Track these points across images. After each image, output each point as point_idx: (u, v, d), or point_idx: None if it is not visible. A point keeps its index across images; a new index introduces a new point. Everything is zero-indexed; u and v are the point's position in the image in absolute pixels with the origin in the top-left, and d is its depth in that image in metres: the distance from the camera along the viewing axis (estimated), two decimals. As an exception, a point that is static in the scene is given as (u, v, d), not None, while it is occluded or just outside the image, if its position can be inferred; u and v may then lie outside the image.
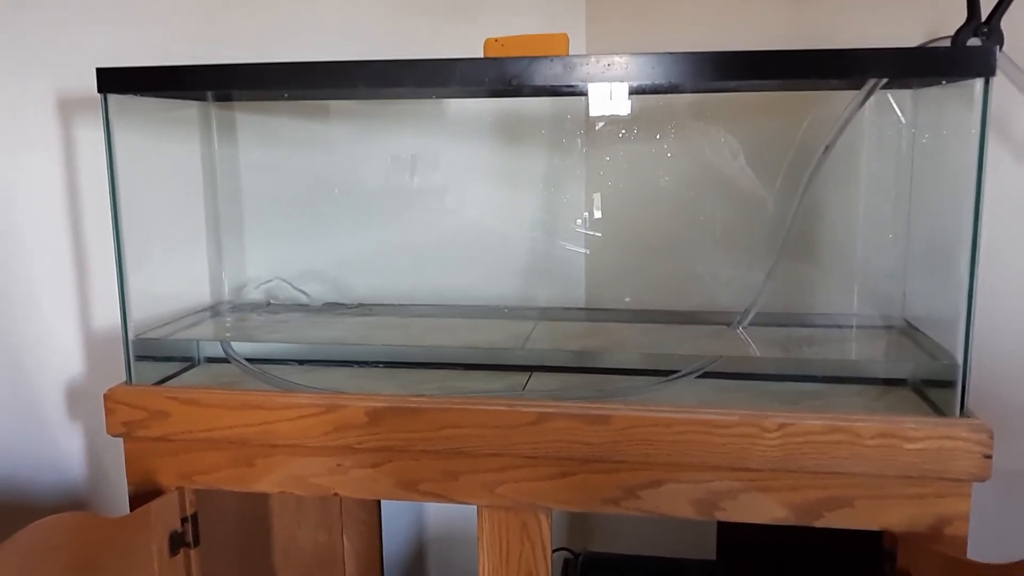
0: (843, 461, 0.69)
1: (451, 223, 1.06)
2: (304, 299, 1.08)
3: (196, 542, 0.83)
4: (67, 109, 1.08)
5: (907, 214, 0.90)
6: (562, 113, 1.01)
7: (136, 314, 0.85)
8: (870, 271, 0.94)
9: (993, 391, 0.86)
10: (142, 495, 0.82)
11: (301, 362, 0.91)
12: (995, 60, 0.66)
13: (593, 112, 0.98)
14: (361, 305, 1.08)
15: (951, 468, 0.68)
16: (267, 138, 1.07)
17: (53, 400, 1.16)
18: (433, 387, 0.82)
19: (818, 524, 0.71)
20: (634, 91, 0.80)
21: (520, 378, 0.84)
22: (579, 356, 0.89)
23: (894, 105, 0.89)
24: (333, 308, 1.07)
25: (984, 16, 0.76)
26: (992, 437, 0.67)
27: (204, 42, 1.06)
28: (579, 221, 1.04)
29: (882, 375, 0.82)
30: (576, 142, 1.02)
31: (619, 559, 1.10)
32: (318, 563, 1.13)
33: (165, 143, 1.02)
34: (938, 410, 0.73)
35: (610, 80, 0.72)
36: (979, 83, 0.67)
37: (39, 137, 1.09)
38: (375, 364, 0.90)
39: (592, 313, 1.06)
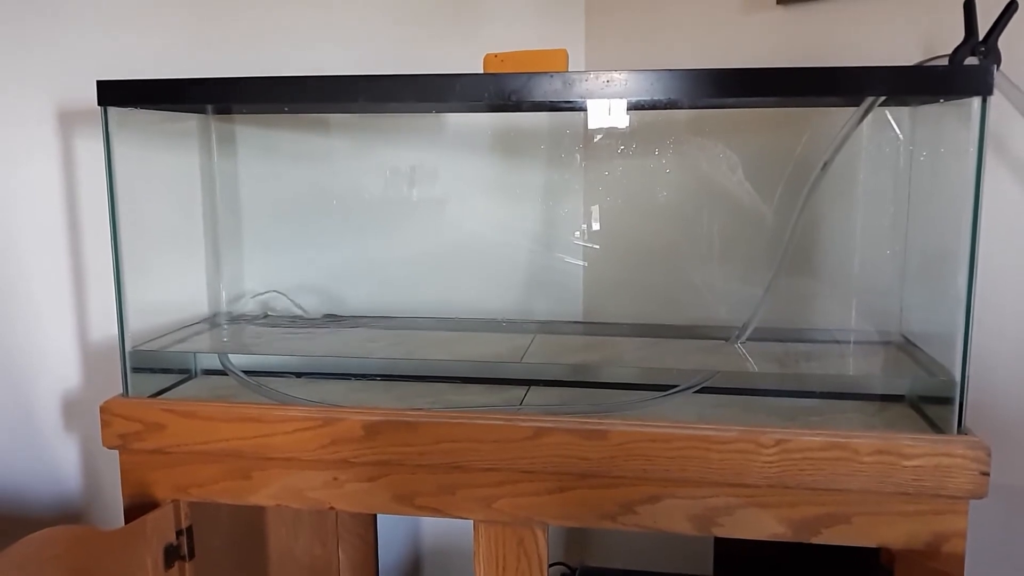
0: (841, 478, 0.69)
1: (450, 236, 1.06)
2: (301, 311, 1.08)
3: (191, 555, 0.83)
4: (67, 120, 1.08)
5: (905, 230, 0.90)
6: (561, 128, 1.02)
7: (133, 326, 0.85)
8: (868, 287, 0.94)
9: (991, 408, 0.86)
10: (138, 507, 0.81)
11: (298, 375, 0.91)
12: (992, 79, 0.66)
13: (592, 127, 0.99)
14: (359, 318, 1.08)
15: (948, 485, 0.68)
16: (266, 150, 1.07)
17: (49, 412, 1.16)
18: (430, 401, 0.82)
19: (815, 540, 0.71)
20: (633, 107, 0.80)
21: (518, 392, 0.84)
22: (577, 370, 0.89)
23: (892, 122, 0.90)
24: (331, 320, 1.07)
25: (982, 35, 0.77)
26: (989, 454, 0.67)
27: (203, 52, 1.06)
28: (577, 234, 1.04)
29: (880, 391, 0.82)
30: (575, 156, 1.02)
31: (616, 574, 1.10)
32: (313, 576, 1.12)
33: (164, 155, 1.02)
34: (936, 427, 0.73)
35: (609, 96, 0.72)
36: (976, 101, 0.67)
37: (38, 148, 1.09)
38: (372, 377, 0.90)
39: (590, 327, 1.06)
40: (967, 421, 0.71)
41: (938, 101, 0.80)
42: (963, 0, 0.76)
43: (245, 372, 0.89)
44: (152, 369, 0.89)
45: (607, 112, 0.82)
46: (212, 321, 1.07)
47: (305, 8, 1.05)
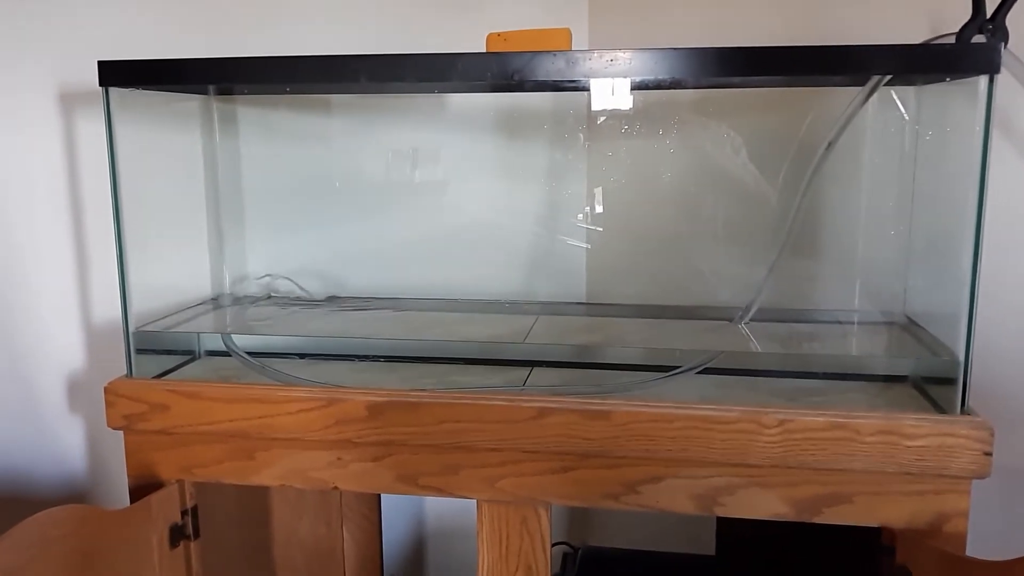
0: (843, 457, 0.69)
1: (452, 217, 1.06)
2: (304, 292, 1.08)
3: (196, 535, 0.83)
4: (68, 102, 1.08)
5: (909, 210, 0.90)
6: (564, 108, 1.01)
7: (137, 307, 0.85)
8: (872, 267, 0.94)
9: (994, 388, 0.86)
10: (142, 488, 0.82)
11: (302, 356, 0.91)
12: (1000, 57, 0.66)
13: (595, 107, 0.98)
14: (362, 299, 1.08)
15: (951, 465, 0.68)
16: (268, 131, 1.07)
17: (54, 393, 1.16)
18: (434, 381, 0.82)
19: (817, 520, 0.71)
20: (636, 86, 0.80)
21: (521, 373, 0.84)
22: (580, 351, 0.89)
23: (897, 102, 0.89)
24: (334, 302, 1.07)
25: (989, 13, 0.76)
26: (992, 434, 0.67)
27: (204, 33, 1.05)
28: (580, 216, 1.04)
29: (883, 371, 0.82)
30: (578, 137, 1.02)
31: (618, 554, 1.10)
32: (318, 556, 1.13)
33: (166, 136, 1.02)
34: (939, 407, 0.73)
35: (613, 75, 0.72)
36: (983, 80, 0.67)
37: (40, 130, 1.09)
38: (376, 358, 0.90)
39: (593, 308, 1.05)
40: (970, 401, 0.71)
41: (944, 80, 0.79)
42: (970, -23, 0.76)
43: (249, 353, 0.89)
44: (156, 350, 0.89)
45: (611, 92, 0.81)
46: (216, 302, 1.07)
47: (307, -12, 1.05)
